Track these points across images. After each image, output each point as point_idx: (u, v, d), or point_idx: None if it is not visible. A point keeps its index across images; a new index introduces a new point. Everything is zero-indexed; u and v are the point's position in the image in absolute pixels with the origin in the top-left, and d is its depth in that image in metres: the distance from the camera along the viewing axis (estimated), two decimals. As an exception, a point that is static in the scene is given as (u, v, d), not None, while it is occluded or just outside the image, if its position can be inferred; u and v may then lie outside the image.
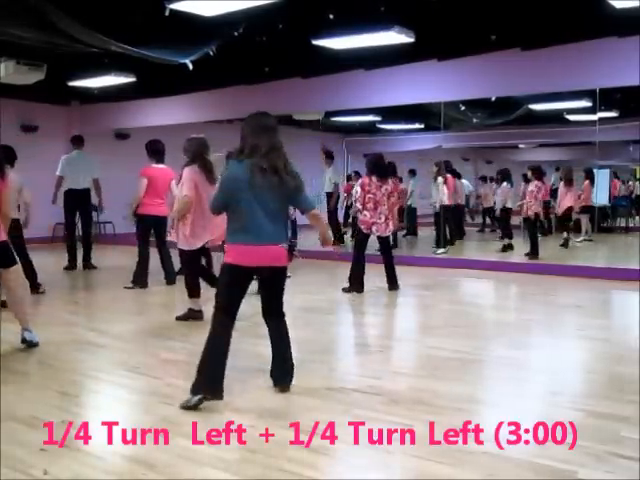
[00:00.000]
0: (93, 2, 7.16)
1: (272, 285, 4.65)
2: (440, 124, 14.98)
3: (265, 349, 6.11)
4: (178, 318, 6.94)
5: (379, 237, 8.80)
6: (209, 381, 4.28)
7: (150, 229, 9.07)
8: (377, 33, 8.41)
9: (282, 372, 4.67)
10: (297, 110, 14.13)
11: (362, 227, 8.70)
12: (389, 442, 3.71)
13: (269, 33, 8.92)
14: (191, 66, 8.95)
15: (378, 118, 16.89)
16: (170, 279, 9.17)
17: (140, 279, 8.91)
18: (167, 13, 7.13)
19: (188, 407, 4.20)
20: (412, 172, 17.40)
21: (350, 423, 3.99)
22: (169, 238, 6.59)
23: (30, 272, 8.13)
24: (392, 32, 8.29)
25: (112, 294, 8.66)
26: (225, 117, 14.86)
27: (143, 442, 3.75)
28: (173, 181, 8.51)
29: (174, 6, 7.07)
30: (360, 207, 8.62)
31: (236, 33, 8.28)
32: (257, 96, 12.69)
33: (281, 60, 10.62)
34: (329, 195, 15.43)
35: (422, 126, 18.66)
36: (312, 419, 4.06)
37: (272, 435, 3.81)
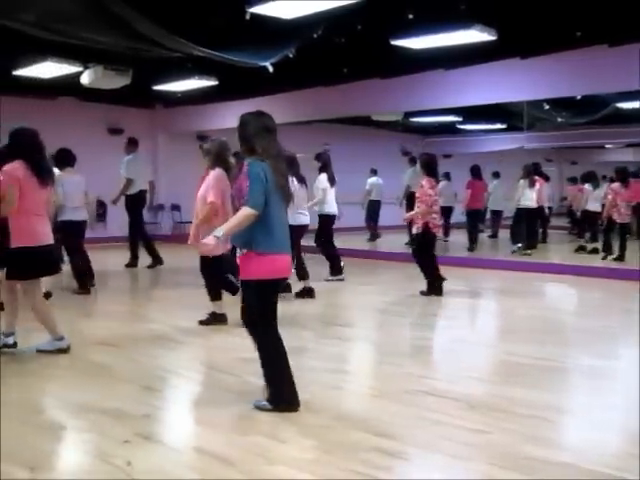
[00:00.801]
0: (177, 8, 7.33)
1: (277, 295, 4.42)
2: (523, 124, 14.68)
3: (338, 349, 6.15)
4: (201, 322, 6.81)
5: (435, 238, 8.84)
6: (286, 394, 4.21)
7: None
8: (457, 32, 8.31)
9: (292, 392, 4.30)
10: (376, 111, 14.09)
11: (435, 230, 8.60)
12: (463, 447, 3.67)
13: (348, 34, 8.93)
14: (271, 68, 9.04)
15: (458, 118, 16.69)
16: None
17: None
18: (248, 17, 7.23)
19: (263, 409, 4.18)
20: (496, 174, 17.14)
21: (425, 427, 3.95)
22: (189, 242, 6.44)
23: (82, 272, 8.48)
24: (473, 30, 8.18)
25: (186, 291, 8.82)
26: (304, 119, 14.97)
27: (220, 438, 3.81)
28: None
29: (254, 10, 7.17)
30: (427, 210, 8.41)
31: (315, 35, 8.32)
32: (336, 97, 12.74)
33: (360, 61, 10.61)
34: (410, 197, 15.35)
35: (504, 126, 18.34)
36: (387, 422, 4.04)
37: (347, 436, 3.82)
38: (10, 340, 5.56)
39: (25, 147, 5.38)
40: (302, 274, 8.42)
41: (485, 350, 6.25)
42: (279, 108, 14.00)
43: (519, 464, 3.44)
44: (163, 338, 6.28)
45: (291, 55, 8.81)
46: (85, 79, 10.82)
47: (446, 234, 16.90)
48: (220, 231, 4.10)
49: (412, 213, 8.83)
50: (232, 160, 6.66)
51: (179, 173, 14.85)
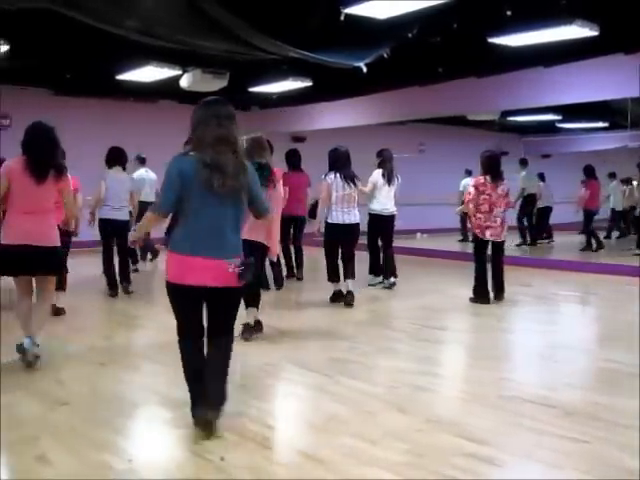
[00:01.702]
0: (272, 10, 7.42)
1: (218, 308, 3.90)
2: (626, 122, 14.12)
3: (430, 351, 6.08)
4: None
5: (493, 242, 8.09)
6: (196, 411, 3.82)
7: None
8: (557, 28, 8.06)
9: (210, 400, 3.81)
10: (472, 110, 13.87)
11: (476, 232, 8.08)
12: (559, 456, 3.56)
13: (443, 33, 8.82)
14: (365, 69, 9.04)
15: (558, 117, 16.20)
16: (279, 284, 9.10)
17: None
18: (342, 17, 7.25)
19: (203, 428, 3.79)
20: (612, 175, 16.63)
21: (519, 434, 3.86)
22: None
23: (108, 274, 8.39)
24: (574, 26, 7.92)
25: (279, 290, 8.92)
26: (398, 119, 14.91)
27: (312, 438, 3.84)
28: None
29: (349, 10, 7.18)
30: (474, 209, 7.98)
31: (410, 34, 8.26)
32: (431, 97, 12.61)
33: (455, 60, 10.46)
34: (526, 199, 15.08)
35: (606, 125, 17.70)
36: (481, 427, 3.97)
37: (439, 440, 3.77)
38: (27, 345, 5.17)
39: (26, 142, 5.17)
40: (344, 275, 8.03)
41: (583, 356, 6.05)
42: (373, 109, 14.03)
43: (617, 476, 3.31)
44: (258, 336, 6.36)
45: (386, 55, 8.78)
46: (184, 82, 11.11)
47: (549, 235, 16.49)
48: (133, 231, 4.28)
49: (459, 208, 8.45)
50: (265, 160, 6.06)
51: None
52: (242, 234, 5.67)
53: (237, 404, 4.39)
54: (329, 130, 14.53)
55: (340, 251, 8.03)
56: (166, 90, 12.50)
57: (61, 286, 7.09)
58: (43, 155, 5.14)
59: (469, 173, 16.63)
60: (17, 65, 10.13)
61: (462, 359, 6.09)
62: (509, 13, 7.72)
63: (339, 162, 7.87)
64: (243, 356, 5.64)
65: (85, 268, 9.48)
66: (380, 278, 9.21)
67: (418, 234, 17.23)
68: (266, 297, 8.85)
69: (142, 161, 11.53)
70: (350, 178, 7.88)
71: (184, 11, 6.55)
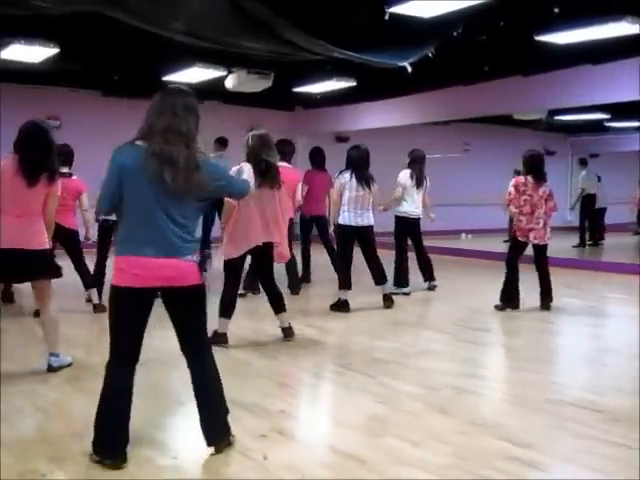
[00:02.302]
0: (317, 11, 7.43)
1: (180, 312, 3.54)
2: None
3: (473, 353, 6.03)
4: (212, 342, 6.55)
5: (535, 245, 7.70)
6: (102, 443, 3.42)
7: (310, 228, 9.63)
8: (606, 24, 7.90)
9: (212, 427, 3.59)
10: (518, 109, 13.69)
11: (518, 234, 7.65)
12: (606, 462, 3.50)
13: (489, 31, 8.72)
14: (410, 68, 8.99)
15: (606, 116, 15.89)
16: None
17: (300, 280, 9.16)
18: (387, 17, 7.23)
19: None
20: None
21: (565, 438, 3.81)
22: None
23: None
24: (624, 22, 7.75)
25: (320, 289, 8.92)
26: (442, 119, 14.81)
27: (353, 438, 3.84)
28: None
29: (394, 9, 7.15)
30: (516, 211, 7.60)
31: (455, 33, 8.19)
32: (476, 96, 12.49)
33: (501, 58, 10.34)
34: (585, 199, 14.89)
35: (657, 123, 17.32)
36: (525, 430, 3.93)
37: (482, 443, 3.74)
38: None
39: (19, 142, 4.94)
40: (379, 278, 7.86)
41: (632, 361, 5.92)
42: (417, 108, 13.96)
43: (667, 483, 3.25)
44: (299, 336, 6.39)
45: (430, 54, 8.72)
46: (229, 83, 11.20)
47: (601, 237, 16.20)
48: None
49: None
50: (272, 159, 5.83)
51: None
52: (252, 236, 5.72)
53: (279, 403, 4.42)
54: (372, 130, 14.50)
55: (364, 257, 7.84)
56: (211, 91, 12.61)
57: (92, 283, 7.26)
58: (36, 157, 4.90)
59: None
60: (67, 67, 10.33)
61: (506, 361, 6.03)
62: (557, 10, 7.60)
63: (357, 162, 7.61)
64: (284, 356, 5.68)
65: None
66: (407, 289, 8.76)
67: (463, 235, 17.11)
68: (305, 298, 8.91)
69: None
70: (365, 180, 7.58)
71: (229, 12, 6.60)
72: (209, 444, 3.55)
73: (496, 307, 7.66)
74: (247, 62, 10.44)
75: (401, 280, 8.77)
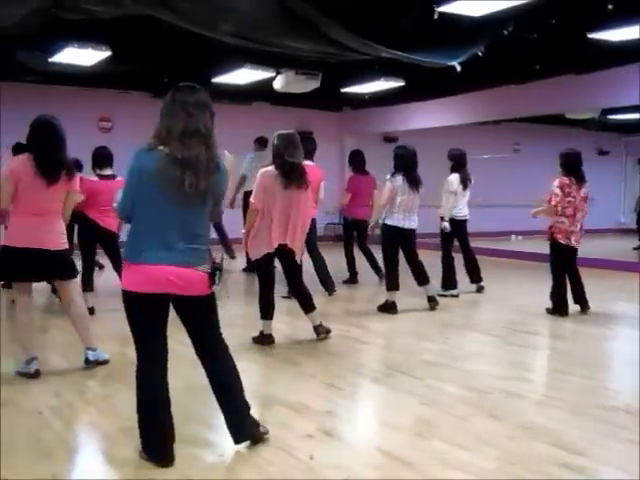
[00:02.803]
0: (365, 11, 7.41)
1: (191, 319, 3.56)
2: None
3: (523, 357, 5.94)
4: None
5: (571, 248, 7.45)
6: (152, 446, 3.45)
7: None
8: (663, 21, 7.73)
9: (237, 427, 3.58)
10: (570, 109, 13.45)
11: (558, 237, 7.38)
12: (663, 469, 3.40)
13: (540, 29, 8.59)
14: (459, 68, 8.90)
15: (662, 115, 15.53)
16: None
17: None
18: (436, 16, 7.17)
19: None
20: None
21: (617, 446, 3.72)
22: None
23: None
24: (680, 19, 7.57)
25: (363, 293, 8.89)
26: (492, 118, 14.63)
27: (400, 440, 3.81)
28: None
29: (443, 8, 7.09)
30: (559, 212, 7.32)
31: (505, 31, 8.09)
32: (527, 95, 12.32)
33: (553, 57, 10.18)
34: None
35: None
36: (576, 436, 3.85)
37: (531, 448, 3.68)
38: (32, 367, 4.92)
39: (32, 139, 4.88)
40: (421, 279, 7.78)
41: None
42: (467, 108, 13.83)
43: None
44: (348, 337, 6.38)
45: (480, 53, 8.62)
46: (277, 84, 11.24)
47: None
48: None
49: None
50: (298, 159, 5.76)
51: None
52: (272, 238, 5.73)
53: (325, 403, 4.42)
54: (421, 130, 14.41)
55: (406, 259, 7.76)
56: (260, 92, 12.68)
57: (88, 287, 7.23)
58: (52, 154, 4.82)
59: None
60: (118, 70, 10.50)
61: (556, 365, 5.91)
62: (610, 7, 7.44)
63: (407, 164, 7.51)
64: (331, 356, 5.68)
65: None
66: (455, 291, 8.67)
67: (512, 236, 16.87)
68: (350, 300, 8.90)
69: None
70: (415, 183, 7.50)
71: (277, 13, 6.62)
72: (236, 442, 3.57)
73: (547, 310, 7.52)
74: (295, 63, 10.47)
75: (449, 282, 8.70)
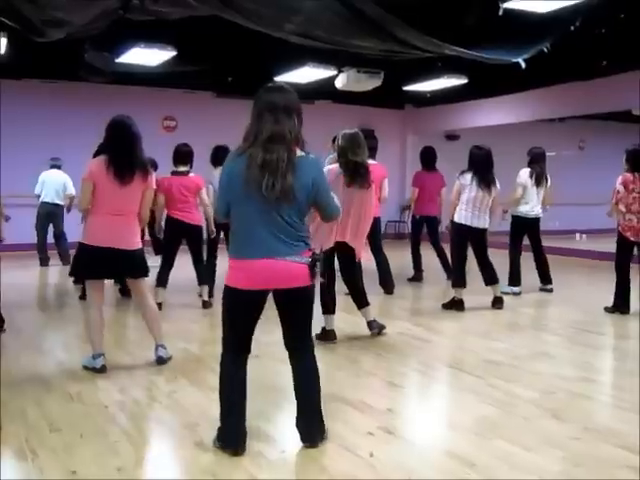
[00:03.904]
0: (429, 8, 7.36)
1: (288, 311, 3.61)
2: None
3: (589, 357, 5.81)
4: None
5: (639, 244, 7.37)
6: (226, 434, 3.55)
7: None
8: None
9: (308, 426, 3.65)
10: (637, 105, 13.11)
11: (627, 234, 7.27)
12: None
13: (608, 24, 8.39)
14: (524, 64, 8.76)
15: None
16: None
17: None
18: (501, 12, 7.07)
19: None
20: None
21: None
22: None
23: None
24: None
25: (429, 291, 8.83)
26: (558, 116, 14.39)
27: (463, 439, 3.78)
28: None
29: (508, 5, 6.99)
30: (624, 209, 7.25)
31: (572, 27, 7.92)
32: (593, 92, 12.07)
33: (621, 52, 9.93)
34: None
35: None
36: (644, 438, 3.76)
37: (597, 450, 3.61)
38: (98, 363, 5.03)
39: (107, 140, 4.99)
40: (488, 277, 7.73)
41: None
42: (532, 105, 13.62)
43: None
44: (409, 335, 6.36)
45: (546, 49, 8.46)
46: (339, 82, 11.27)
47: None
48: None
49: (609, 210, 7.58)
50: (361, 158, 5.74)
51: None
52: (332, 236, 5.74)
53: (386, 401, 4.41)
54: (484, 128, 14.24)
55: (476, 257, 7.71)
56: (322, 90, 12.71)
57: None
58: (127, 155, 4.92)
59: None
60: (182, 70, 10.67)
61: (623, 366, 5.77)
62: (681, 0, 7.22)
63: (479, 163, 7.45)
64: (392, 354, 5.66)
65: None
66: (518, 289, 8.59)
67: (577, 235, 16.54)
68: (415, 298, 8.85)
69: None
70: (486, 182, 7.41)
71: (340, 11, 6.63)
72: (303, 441, 3.61)
73: (606, 309, 7.41)
74: (357, 61, 10.48)
75: (513, 279, 8.61)
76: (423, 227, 9.69)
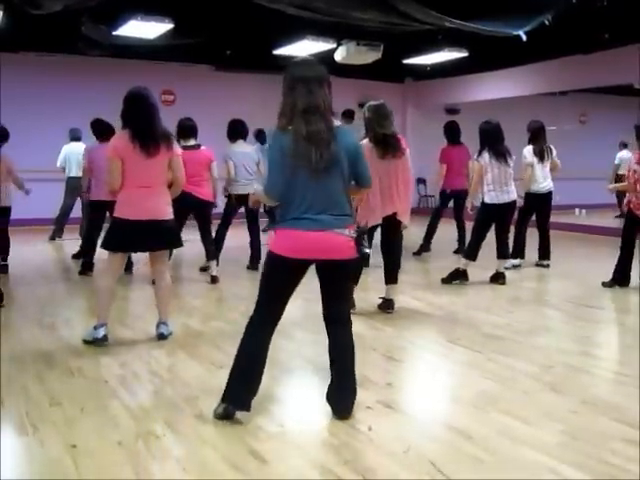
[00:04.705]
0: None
1: (331, 283, 3.68)
2: None
3: (588, 331, 5.82)
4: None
5: None
6: (236, 391, 3.64)
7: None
8: None
9: (344, 400, 3.67)
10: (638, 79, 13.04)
11: (638, 212, 7.18)
12: None
13: (611, -4, 8.31)
14: (524, 37, 8.69)
15: None
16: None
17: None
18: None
19: (217, 416, 3.62)
20: None
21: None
22: None
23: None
24: None
25: (435, 265, 8.82)
26: (559, 89, 14.29)
27: (462, 413, 3.81)
28: None
29: (509, -24, 6.93)
30: (636, 187, 7.19)
31: (574, 0, 7.85)
32: (595, 65, 11.98)
33: (623, 25, 9.84)
34: None
35: None
36: (645, 412, 3.78)
37: (596, 423, 3.63)
38: (100, 333, 5.00)
39: (127, 113, 4.92)
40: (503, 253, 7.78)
41: None
42: (533, 79, 13.53)
43: None
44: (409, 309, 6.37)
45: (547, 22, 8.39)
46: (338, 55, 11.19)
47: None
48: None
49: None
50: (389, 130, 5.78)
51: (426, 146, 14.86)
52: (378, 213, 5.77)
53: (385, 375, 4.43)
54: (485, 102, 14.16)
55: (496, 230, 7.71)
56: (321, 63, 12.61)
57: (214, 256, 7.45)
58: (148, 126, 4.88)
59: (624, 146, 15.75)
60: (180, 43, 10.59)
61: (622, 340, 5.79)
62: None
63: (491, 138, 7.46)
64: (391, 328, 5.68)
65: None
66: (517, 261, 8.65)
67: (577, 210, 16.50)
68: (421, 272, 8.86)
69: None
70: (503, 156, 7.45)
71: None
72: (336, 414, 3.64)
73: (603, 284, 7.43)
74: (356, 34, 10.39)
75: (516, 252, 8.62)
76: (450, 202, 9.73)
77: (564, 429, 3.53)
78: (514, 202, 7.65)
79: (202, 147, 7.35)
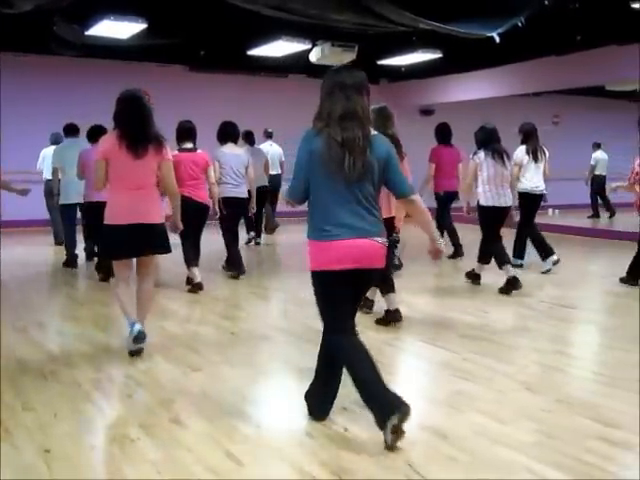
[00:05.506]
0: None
1: (359, 290, 3.64)
2: None
3: (562, 331, 5.87)
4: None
5: None
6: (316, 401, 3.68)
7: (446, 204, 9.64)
8: None
9: (388, 404, 3.35)
10: (611, 80, 13.20)
11: None
12: None
13: (583, -1, 8.40)
14: (498, 39, 8.75)
15: None
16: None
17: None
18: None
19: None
20: None
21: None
22: None
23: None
24: None
25: (423, 270, 8.84)
26: (533, 90, 14.41)
27: (438, 413, 3.83)
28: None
29: (483, -22, 6.97)
30: (629, 186, 7.50)
31: (547, 1, 7.92)
32: (568, 67, 12.10)
33: (595, 27, 9.94)
34: None
35: None
36: (615, 410, 3.82)
37: (571, 422, 3.65)
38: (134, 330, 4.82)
39: (119, 114, 4.83)
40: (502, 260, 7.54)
41: None
42: (506, 80, 13.63)
43: None
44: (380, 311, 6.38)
45: (520, 24, 8.45)
46: (313, 56, 11.20)
47: None
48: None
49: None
50: (391, 131, 5.63)
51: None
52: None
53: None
54: (459, 103, 14.25)
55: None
56: (295, 64, 12.63)
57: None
58: (137, 128, 4.78)
59: (598, 146, 15.94)
60: (154, 43, 10.53)
61: (597, 340, 5.85)
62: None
63: (489, 140, 7.42)
64: (369, 329, 5.67)
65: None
66: (520, 261, 8.69)
67: (550, 210, 16.61)
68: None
69: (269, 135, 11.75)
70: (500, 156, 7.37)
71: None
72: (314, 413, 3.67)
73: (621, 280, 7.54)
74: (331, 35, 10.41)
75: (516, 251, 8.67)
76: (450, 202, 9.66)
77: (538, 428, 3.55)
78: (509, 208, 7.58)
79: (199, 150, 7.26)
